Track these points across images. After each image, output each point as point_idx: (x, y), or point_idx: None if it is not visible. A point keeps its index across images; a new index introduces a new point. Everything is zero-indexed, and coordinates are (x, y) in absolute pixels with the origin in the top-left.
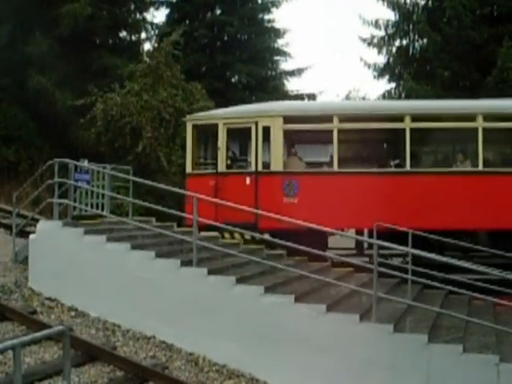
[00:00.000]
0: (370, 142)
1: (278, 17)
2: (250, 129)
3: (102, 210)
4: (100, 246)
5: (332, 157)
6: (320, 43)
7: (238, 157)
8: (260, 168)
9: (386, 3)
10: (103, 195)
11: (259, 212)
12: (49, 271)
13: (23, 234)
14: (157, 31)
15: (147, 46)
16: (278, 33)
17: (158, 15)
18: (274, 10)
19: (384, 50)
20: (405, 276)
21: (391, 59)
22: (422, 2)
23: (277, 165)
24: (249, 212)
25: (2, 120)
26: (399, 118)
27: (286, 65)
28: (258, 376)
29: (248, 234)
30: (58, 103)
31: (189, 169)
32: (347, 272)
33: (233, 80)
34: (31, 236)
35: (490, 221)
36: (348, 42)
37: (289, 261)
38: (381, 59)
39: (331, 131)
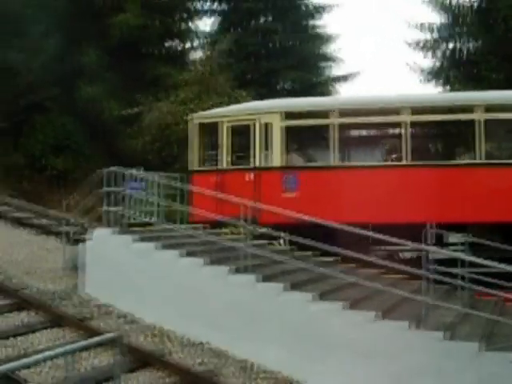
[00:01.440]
0: (370, 136)
1: (324, 23)
2: (251, 126)
3: (153, 217)
4: (151, 253)
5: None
6: (368, 48)
7: (240, 153)
8: (260, 164)
9: (432, 6)
10: (153, 203)
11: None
12: (101, 278)
13: (74, 241)
14: (204, 40)
15: (195, 55)
16: (324, 39)
17: (206, 24)
18: (319, 16)
19: (431, 54)
20: (456, 282)
21: (438, 63)
22: (469, 5)
23: (276, 160)
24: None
25: (51, 130)
26: (398, 111)
27: (333, 70)
28: (309, 383)
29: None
30: (106, 113)
31: (194, 166)
32: (399, 279)
33: (278, 87)
34: (84, 243)
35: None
36: (396, 47)
37: (340, 267)
38: (428, 63)
39: (330, 126)
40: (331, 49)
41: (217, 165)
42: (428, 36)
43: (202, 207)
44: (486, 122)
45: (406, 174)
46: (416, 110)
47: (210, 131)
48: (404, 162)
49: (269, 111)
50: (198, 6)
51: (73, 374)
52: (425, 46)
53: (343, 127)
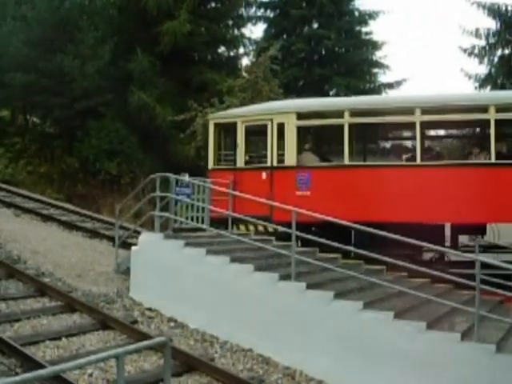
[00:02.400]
0: (382, 136)
1: (375, 29)
2: (266, 126)
3: (202, 223)
4: (200, 258)
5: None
6: (419, 55)
7: (256, 153)
8: (275, 163)
9: (486, 12)
10: (203, 208)
11: (274, 204)
12: (149, 282)
13: (125, 245)
14: (254, 46)
15: (245, 61)
16: (375, 45)
17: (256, 30)
18: (371, 22)
19: (485, 60)
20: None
21: (493, 69)
22: None
23: (290, 160)
24: (264, 205)
25: (105, 134)
26: (410, 111)
27: (384, 77)
28: None
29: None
30: (159, 118)
31: (211, 164)
32: (448, 289)
33: (331, 93)
34: (133, 247)
35: None
36: (448, 53)
37: (388, 276)
38: (482, 69)
39: (342, 126)
40: (381, 55)
41: (233, 164)
42: (483, 42)
43: (218, 205)
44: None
45: (418, 174)
46: (427, 110)
47: (226, 131)
48: (417, 162)
49: (283, 111)
50: (249, 12)
51: (123, 375)
52: (479, 52)
53: (354, 127)
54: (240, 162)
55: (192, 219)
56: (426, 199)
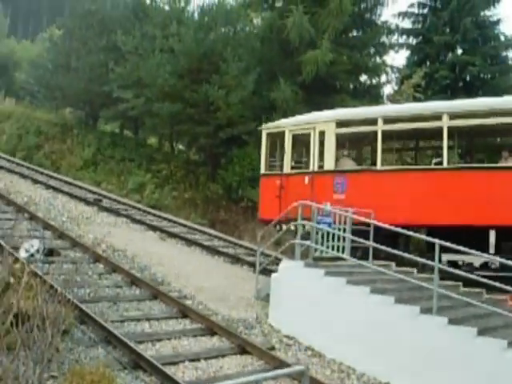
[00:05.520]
0: (412, 141)
1: None
2: (309, 134)
3: (343, 252)
4: (340, 288)
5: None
6: None
7: (300, 158)
8: (316, 168)
9: None
10: (344, 238)
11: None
12: (288, 309)
13: (266, 271)
14: (397, 74)
15: (388, 89)
16: None
17: (398, 58)
18: None
19: None
20: None
21: None
22: None
23: (329, 164)
24: (307, 208)
25: (248, 162)
26: (438, 118)
27: None
28: None
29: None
30: None
31: (262, 170)
32: None
33: None
34: (273, 274)
35: None
36: None
37: None
38: None
39: (376, 132)
40: None
41: (281, 169)
42: None
43: (268, 206)
44: None
45: (445, 178)
46: (455, 116)
47: (276, 140)
48: (444, 166)
49: (324, 120)
50: (391, 39)
51: None
52: None
53: (387, 133)
54: (286, 167)
55: (333, 248)
56: (451, 201)
